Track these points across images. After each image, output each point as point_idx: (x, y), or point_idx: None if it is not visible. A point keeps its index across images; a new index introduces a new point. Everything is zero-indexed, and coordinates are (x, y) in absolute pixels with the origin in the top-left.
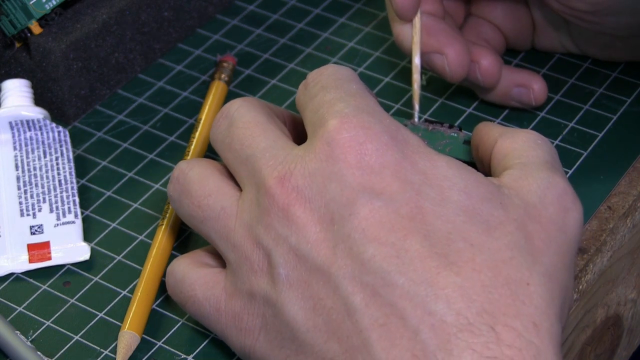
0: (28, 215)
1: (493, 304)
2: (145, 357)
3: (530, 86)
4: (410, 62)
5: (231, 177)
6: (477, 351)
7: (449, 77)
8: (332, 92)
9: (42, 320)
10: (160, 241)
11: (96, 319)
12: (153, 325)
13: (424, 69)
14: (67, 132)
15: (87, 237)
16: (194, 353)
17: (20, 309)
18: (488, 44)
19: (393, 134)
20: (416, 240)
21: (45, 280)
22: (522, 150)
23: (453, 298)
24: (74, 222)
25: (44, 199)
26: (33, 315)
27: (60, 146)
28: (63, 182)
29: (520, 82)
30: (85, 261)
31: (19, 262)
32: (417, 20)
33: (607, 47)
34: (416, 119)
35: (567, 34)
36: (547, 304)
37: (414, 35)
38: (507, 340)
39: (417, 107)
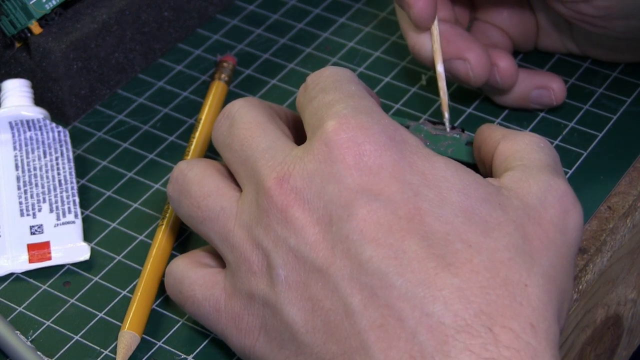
0: (28, 215)
1: (491, 305)
2: (145, 357)
3: (550, 86)
4: (410, 62)
5: (231, 177)
6: (474, 352)
7: (473, 81)
8: (331, 93)
9: (42, 320)
10: (160, 241)
11: (96, 319)
12: (153, 325)
13: (424, 71)
14: (67, 132)
15: (87, 237)
16: (194, 353)
17: (20, 309)
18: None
19: (391, 134)
20: (414, 241)
21: (45, 280)
22: (524, 153)
23: (451, 299)
24: (74, 222)
25: (44, 199)
26: (33, 315)
27: (60, 146)
28: (63, 182)
29: (538, 83)
30: (85, 261)
31: (19, 262)
32: (434, 28)
33: (610, 49)
34: (447, 128)
35: (570, 36)
36: (544, 306)
37: (433, 43)
38: (505, 341)
39: (447, 115)
